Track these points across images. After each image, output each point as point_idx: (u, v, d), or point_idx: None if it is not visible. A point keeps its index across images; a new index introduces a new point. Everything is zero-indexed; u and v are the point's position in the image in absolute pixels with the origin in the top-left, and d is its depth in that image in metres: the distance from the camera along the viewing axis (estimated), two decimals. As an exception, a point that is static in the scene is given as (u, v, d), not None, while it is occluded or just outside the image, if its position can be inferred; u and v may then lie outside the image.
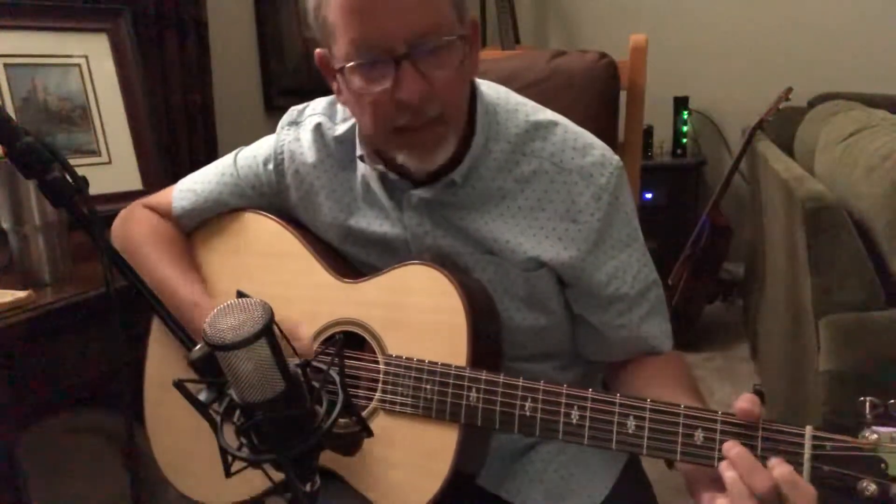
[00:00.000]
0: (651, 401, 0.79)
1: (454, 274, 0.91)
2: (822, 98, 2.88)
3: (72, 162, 0.71)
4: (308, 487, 0.68)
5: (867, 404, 0.71)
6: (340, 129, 1.02)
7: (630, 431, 0.79)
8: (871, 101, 2.51)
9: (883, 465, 0.70)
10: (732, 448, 0.73)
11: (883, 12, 3.33)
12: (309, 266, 1.01)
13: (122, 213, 1.14)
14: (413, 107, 0.84)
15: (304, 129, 1.04)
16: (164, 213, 1.12)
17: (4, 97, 1.41)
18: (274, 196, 1.07)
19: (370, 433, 0.81)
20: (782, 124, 2.91)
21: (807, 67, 3.35)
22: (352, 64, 0.84)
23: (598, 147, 0.96)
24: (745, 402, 0.74)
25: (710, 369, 2.86)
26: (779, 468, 0.71)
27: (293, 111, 1.07)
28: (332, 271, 1.00)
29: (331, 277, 0.99)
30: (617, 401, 0.80)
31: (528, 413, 0.83)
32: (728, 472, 0.73)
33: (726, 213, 3.07)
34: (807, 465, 0.72)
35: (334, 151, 1.02)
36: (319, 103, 1.06)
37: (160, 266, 1.04)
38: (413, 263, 0.94)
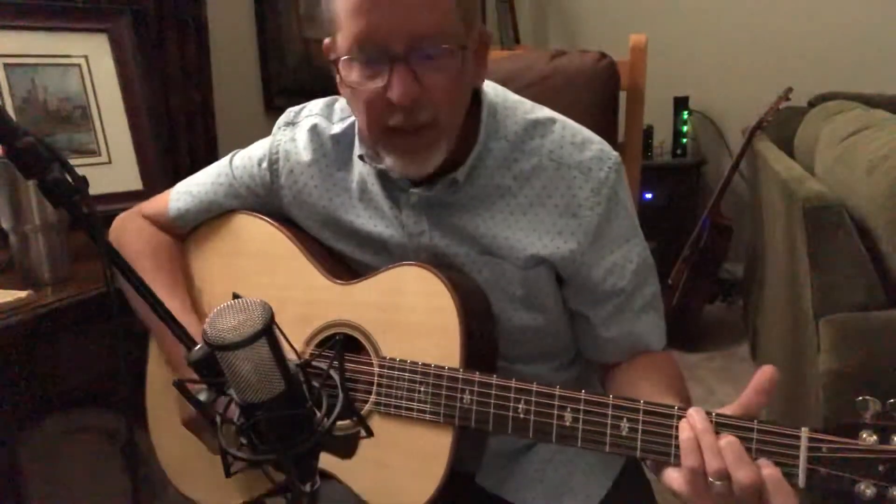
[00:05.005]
0: (645, 402, 0.79)
1: (447, 274, 0.90)
2: (822, 98, 2.88)
3: (72, 162, 0.71)
4: (308, 487, 0.68)
5: (867, 404, 0.70)
6: (337, 128, 1.02)
7: (624, 433, 0.79)
8: (871, 101, 2.51)
9: (881, 469, 0.69)
10: (697, 415, 0.75)
11: (883, 12, 3.33)
12: (302, 268, 1.01)
13: (117, 222, 1.13)
14: (403, 109, 0.84)
15: (300, 129, 1.04)
16: (161, 218, 1.11)
17: (4, 97, 1.41)
18: (268, 196, 1.07)
19: (370, 433, 0.81)
20: (782, 124, 2.91)
21: (807, 67, 3.35)
22: (350, 57, 0.85)
23: (597, 142, 0.96)
24: (763, 374, 0.75)
25: (710, 369, 2.86)
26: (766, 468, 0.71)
27: (290, 112, 1.07)
28: (326, 273, 1.00)
29: (324, 279, 0.99)
30: (610, 402, 0.80)
31: (521, 415, 0.83)
32: (685, 434, 0.74)
33: (726, 213, 3.07)
34: (803, 467, 0.71)
35: (330, 151, 1.02)
36: (316, 104, 1.06)
37: (152, 285, 1.03)
38: (406, 264, 0.94)
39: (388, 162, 0.90)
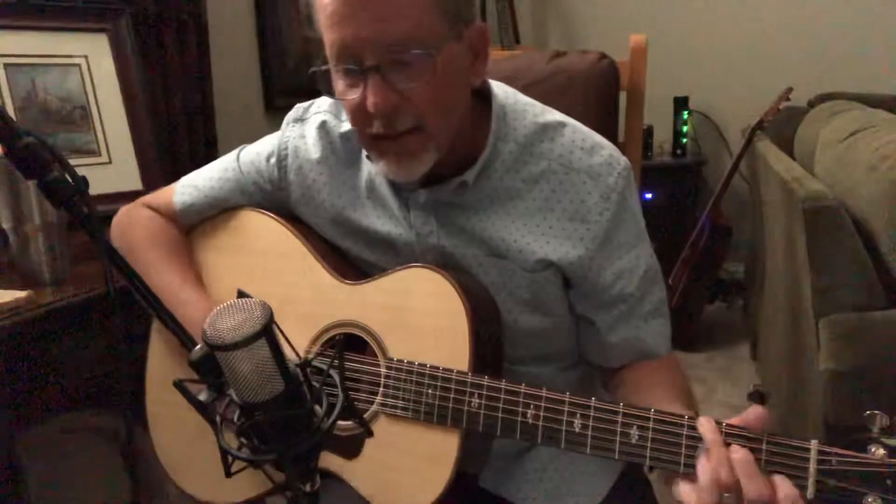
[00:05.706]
0: (655, 411, 0.78)
1: (456, 276, 0.90)
2: (822, 98, 2.88)
3: (72, 162, 0.71)
4: (308, 487, 0.68)
5: (874, 419, 0.70)
6: (346, 126, 1.01)
7: (633, 441, 0.78)
8: (871, 101, 2.51)
9: (889, 482, 0.69)
10: (707, 426, 0.74)
11: (883, 12, 3.33)
12: (310, 266, 1.01)
13: (122, 212, 1.13)
14: (381, 117, 0.84)
15: (309, 125, 1.04)
16: (165, 211, 1.11)
17: (4, 97, 1.41)
18: (275, 192, 1.07)
19: (370, 433, 0.81)
20: (782, 124, 2.91)
21: (807, 67, 3.35)
22: (330, 67, 0.85)
23: (607, 147, 0.96)
24: (751, 414, 0.75)
25: (710, 369, 2.86)
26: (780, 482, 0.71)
27: (299, 108, 1.07)
28: (333, 272, 0.99)
29: (332, 278, 0.99)
30: (620, 410, 0.79)
31: (530, 420, 0.83)
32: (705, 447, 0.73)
33: (726, 213, 3.07)
34: (812, 480, 0.71)
35: (339, 148, 1.02)
36: (325, 101, 1.05)
37: (160, 271, 1.03)
38: (415, 266, 0.93)
39: (382, 168, 0.91)
